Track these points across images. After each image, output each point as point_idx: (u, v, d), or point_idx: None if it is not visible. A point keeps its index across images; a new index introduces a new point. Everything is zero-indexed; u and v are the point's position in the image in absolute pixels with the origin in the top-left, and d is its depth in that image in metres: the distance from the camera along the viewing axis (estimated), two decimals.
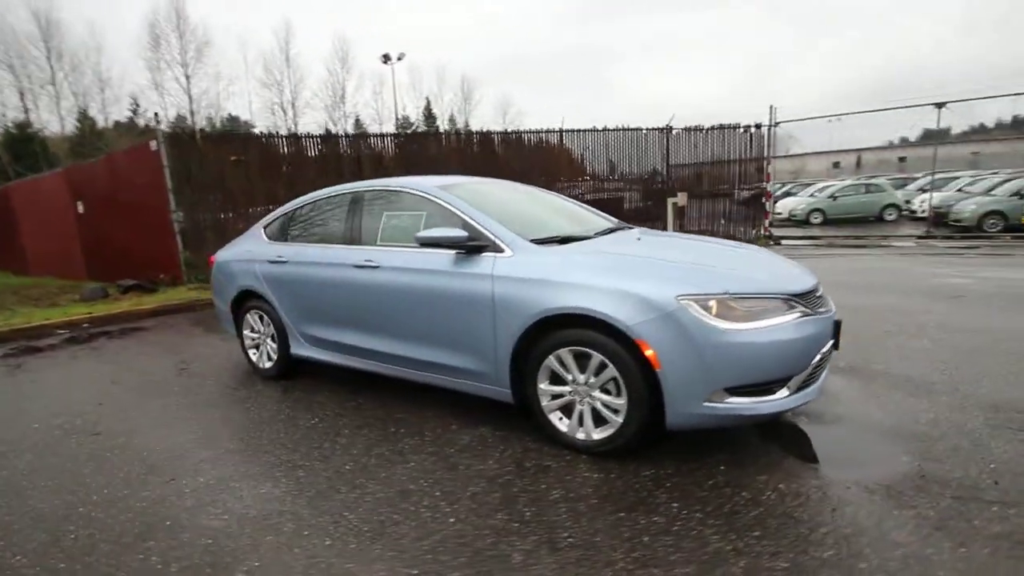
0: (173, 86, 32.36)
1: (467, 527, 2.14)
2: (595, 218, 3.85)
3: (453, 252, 3.02)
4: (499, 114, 43.46)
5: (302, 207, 4.05)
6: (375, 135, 11.24)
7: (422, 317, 3.12)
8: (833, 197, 18.24)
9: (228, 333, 4.60)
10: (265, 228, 4.27)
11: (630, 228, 3.68)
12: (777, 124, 12.33)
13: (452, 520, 2.20)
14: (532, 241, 2.89)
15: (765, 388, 2.39)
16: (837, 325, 2.67)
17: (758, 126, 12.20)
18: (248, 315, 4.23)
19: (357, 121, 38.58)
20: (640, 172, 12.14)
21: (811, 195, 19.31)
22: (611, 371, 2.51)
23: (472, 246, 2.92)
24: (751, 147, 12.28)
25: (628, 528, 2.08)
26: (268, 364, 4.18)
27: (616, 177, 12.17)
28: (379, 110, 39.98)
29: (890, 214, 17.79)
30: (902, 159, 40.78)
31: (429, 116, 43.82)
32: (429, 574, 1.89)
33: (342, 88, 36.91)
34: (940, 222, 13.93)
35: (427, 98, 44.59)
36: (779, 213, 17.74)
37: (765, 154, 12.35)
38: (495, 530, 2.11)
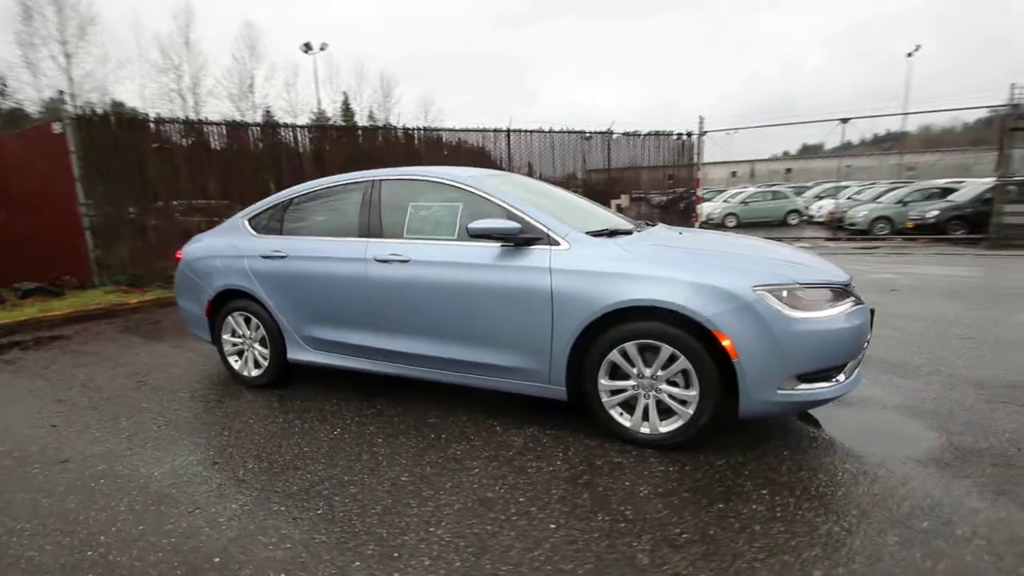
0: (49, 65, 28.27)
1: (573, 531, 2.03)
2: (614, 214, 3.85)
3: (498, 245, 2.87)
4: (420, 112, 42.56)
5: (299, 196, 3.67)
6: (331, 126, 10.55)
7: (462, 314, 2.94)
8: (745, 203, 19.83)
9: (196, 339, 4.07)
10: (250, 220, 3.82)
11: (657, 224, 3.72)
12: (705, 133, 13.17)
13: (553, 526, 2.07)
14: (586, 234, 2.83)
15: (826, 374, 2.50)
16: (872, 314, 2.87)
17: (689, 134, 12.97)
18: (230, 318, 3.76)
19: (267, 113, 36.06)
20: (576, 173, 12.43)
21: (725, 200, 20.86)
22: (682, 363, 2.51)
23: (524, 238, 2.79)
24: (683, 153, 13.03)
25: (735, 518, 2.08)
26: (256, 372, 3.74)
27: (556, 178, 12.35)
28: (292, 102, 37.61)
29: (793, 219, 19.65)
30: (788, 170, 45.39)
31: (347, 111, 42.00)
32: None
33: (250, 77, 34.24)
34: (837, 226, 15.60)
35: (344, 92, 42.74)
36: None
37: (695, 160, 13.15)
38: (604, 532, 2.02)
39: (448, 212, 3.10)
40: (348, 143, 10.44)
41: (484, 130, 11.40)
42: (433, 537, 2.03)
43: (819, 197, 20.99)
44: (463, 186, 3.09)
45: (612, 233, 2.98)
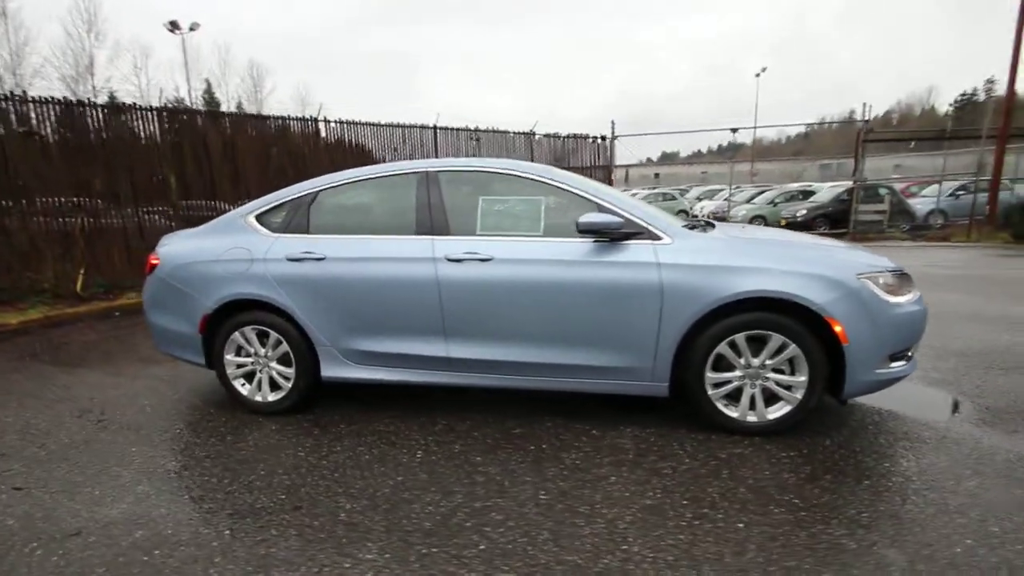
0: None
1: (764, 527, 2.00)
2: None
3: (591, 241, 2.75)
4: (298, 106, 39.52)
5: (327, 190, 3.17)
6: (247, 115, 9.30)
7: (555, 315, 2.76)
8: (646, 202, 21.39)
9: (145, 362, 3.36)
10: (258, 217, 3.23)
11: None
12: (616, 137, 13.94)
13: (741, 525, 2.02)
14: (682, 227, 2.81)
15: (904, 353, 2.75)
16: None
17: (603, 138, 13.62)
18: (237, 334, 3.14)
19: (112, 98, 31.06)
20: None
21: None
22: (791, 351, 2.60)
23: (625, 233, 2.70)
24: (599, 156, 13.65)
25: (888, 490, 2.19)
26: (274, 396, 3.17)
27: None
28: (143, 87, 32.76)
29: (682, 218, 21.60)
30: (656, 175, 49.76)
31: (211, 100, 37.74)
32: None
33: (89, 57, 29.16)
34: None
35: (207, 80, 38.35)
36: None
37: (610, 162, 13.86)
38: (794, 523, 2.01)
39: (529, 207, 2.89)
40: (262, 135, 9.36)
41: (411, 126, 10.93)
42: (633, 555, 1.87)
43: (699, 199, 23.28)
44: (545, 180, 2.90)
45: (694, 228, 3.00)
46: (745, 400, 2.71)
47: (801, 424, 2.74)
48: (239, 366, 3.21)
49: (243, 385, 3.23)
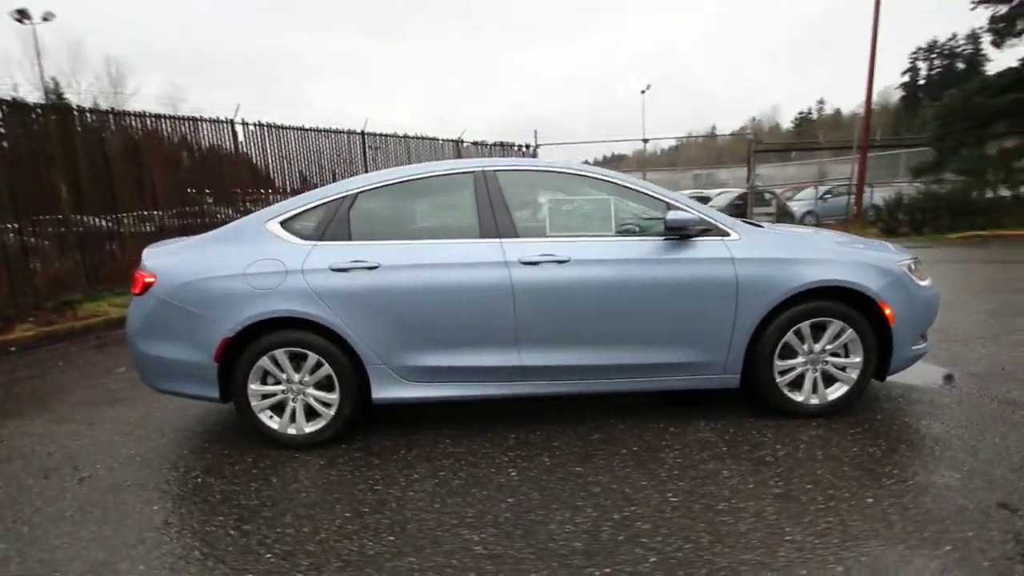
0: None
1: (892, 498, 2.11)
2: None
3: (662, 239, 2.76)
4: (168, 109, 35.56)
5: (367, 192, 2.84)
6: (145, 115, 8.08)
7: (635, 314, 2.72)
8: None
9: (101, 403, 2.83)
10: (283, 223, 2.81)
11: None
12: (539, 146, 14.26)
13: (870, 499, 2.11)
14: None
15: (924, 333, 3.08)
16: None
17: (528, 146, 13.87)
18: (265, 359, 2.71)
19: None
20: None
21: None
22: (849, 335, 2.80)
23: (699, 230, 2.74)
24: None
25: (948, 441, 2.45)
26: (312, 426, 2.78)
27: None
28: None
29: None
30: None
31: (59, 99, 32.62)
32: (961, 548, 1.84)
33: None
34: None
35: (53, 78, 33.11)
36: None
37: None
38: (910, 488, 2.15)
39: (598, 207, 2.84)
40: (171, 138, 8.25)
41: (337, 131, 10.29)
42: (803, 544, 1.87)
43: None
44: (609, 179, 2.87)
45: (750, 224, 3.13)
46: (808, 384, 2.87)
47: (852, 403, 2.97)
48: (265, 396, 2.77)
49: (271, 418, 2.79)
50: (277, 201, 4.07)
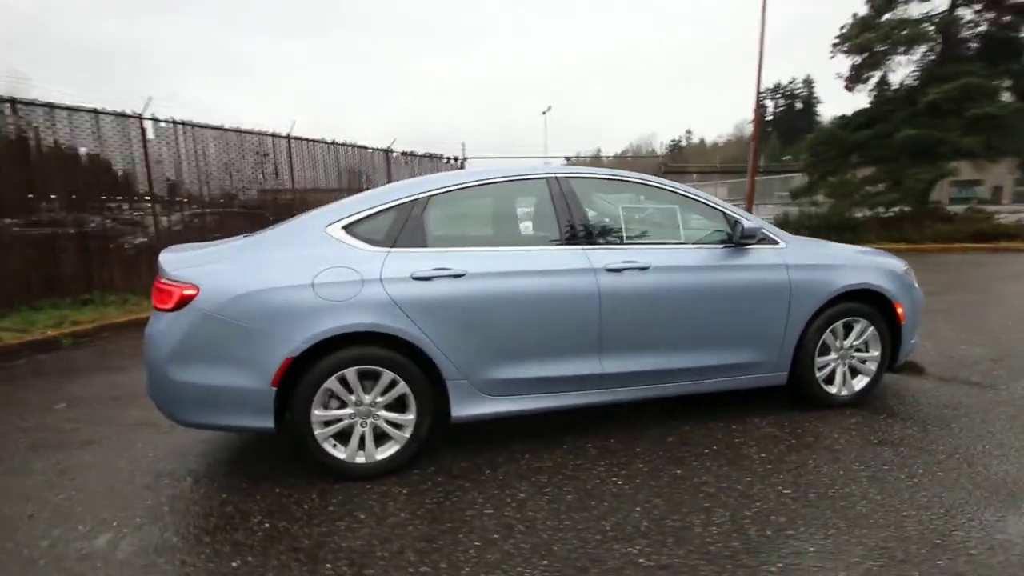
0: None
1: (950, 470, 2.41)
2: None
3: (721, 246, 2.92)
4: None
5: (439, 194, 2.65)
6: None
7: (707, 318, 2.84)
8: None
9: (91, 447, 2.41)
10: (347, 228, 2.53)
11: None
12: (467, 159, 14.27)
13: (940, 472, 2.40)
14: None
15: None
16: None
17: (456, 158, 13.80)
18: (333, 380, 2.40)
19: None
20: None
21: None
22: (870, 332, 3.16)
23: (759, 238, 2.94)
24: None
25: (950, 413, 2.85)
26: (385, 452, 2.51)
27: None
28: None
29: None
30: None
31: None
32: None
33: None
34: None
35: None
36: None
37: None
38: (959, 459, 2.48)
39: (666, 215, 2.92)
40: (66, 134, 7.00)
41: (262, 133, 9.46)
42: (931, 518, 2.07)
43: None
44: (672, 189, 2.97)
45: None
46: (839, 378, 3.18)
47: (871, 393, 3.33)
48: (328, 423, 2.45)
49: (336, 447, 2.48)
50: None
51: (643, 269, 2.73)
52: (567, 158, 16.57)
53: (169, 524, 2.22)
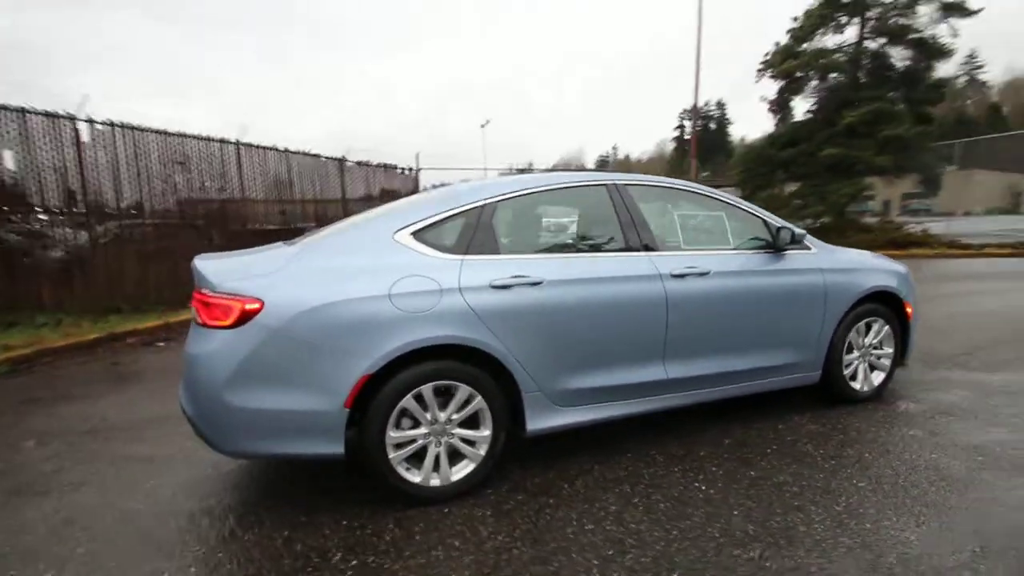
0: None
1: (976, 452, 2.62)
2: None
3: (764, 252, 3.03)
4: None
5: (504, 199, 2.54)
6: None
7: (760, 321, 2.92)
8: None
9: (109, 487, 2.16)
10: (415, 234, 2.36)
11: None
12: (420, 169, 14.01)
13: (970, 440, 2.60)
14: None
15: None
16: None
17: (411, 169, 13.52)
18: (409, 399, 2.22)
19: None
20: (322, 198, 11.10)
21: None
22: (886, 331, 3.39)
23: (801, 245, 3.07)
24: (407, 185, 13.44)
25: (954, 398, 3.12)
26: (460, 472, 2.36)
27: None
28: None
29: None
30: None
31: None
32: None
33: None
34: None
35: None
36: None
37: (418, 192, 13.78)
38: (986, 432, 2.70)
39: (715, 222, 2.98)
40: None
41: (208, 139, 8.78)
42: (991, 490, 2.23)
43: None
44: (718, 197, 3.05)
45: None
46: (860, 375, 3.37)
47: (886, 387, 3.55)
48: (399, 445, 2.26)
49: (409, 470, 2.29)
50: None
51: (703, 275, 2.77)
52: (520, 170, 16.66)
53: (236, 571, 1.94)
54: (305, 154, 10.64)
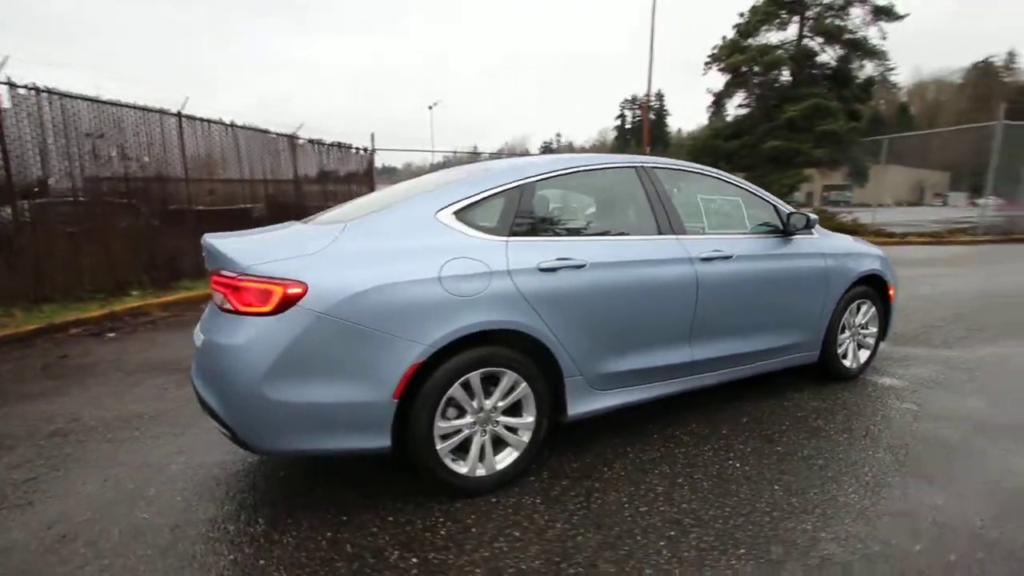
0: None
1: (944, 417, 2.86)
2: None
3: (775, 236, 3.13)
4: None
5: (541, 179, 2.45)
6: None
7: (774, 303, 3.03)
8: None
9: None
10: (458, 214, 2.23)
11: None
12: (375, 150, 13.46)
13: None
14: None
15: None
16: None
17: (366, 149, 12.96)
18: (458, 387, 2.12)
19: None
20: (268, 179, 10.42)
21: None
22: (872, 311, 3.61)
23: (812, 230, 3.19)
24: (362, 166, 12.90)
25: (930, 373, 3.41)
26: (505, 461, 2.29)
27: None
28: None
29: None
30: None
31: None
32: None
33: None
34: None
35: None
36: None
37: (373, 174, 13.26)
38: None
39: (734, 206, 3.03)
40: None
41: (146, 109, 8.00)
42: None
43: None
44: (732, 182, 3.11)
45: None
46: (850, 353, 3.59)
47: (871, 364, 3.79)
48: (446, 436, 2.17)
49: (455, 462, 2.20)
50: None
51: (727, 258, 2.82)
52: (475, 152, 16.40)
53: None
54: (254, 129, 9.94)
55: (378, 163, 14.58)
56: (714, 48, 16.83)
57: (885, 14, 14.60)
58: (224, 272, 2.02)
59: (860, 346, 3.65)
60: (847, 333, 3.53)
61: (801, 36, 15.47)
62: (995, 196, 13.96)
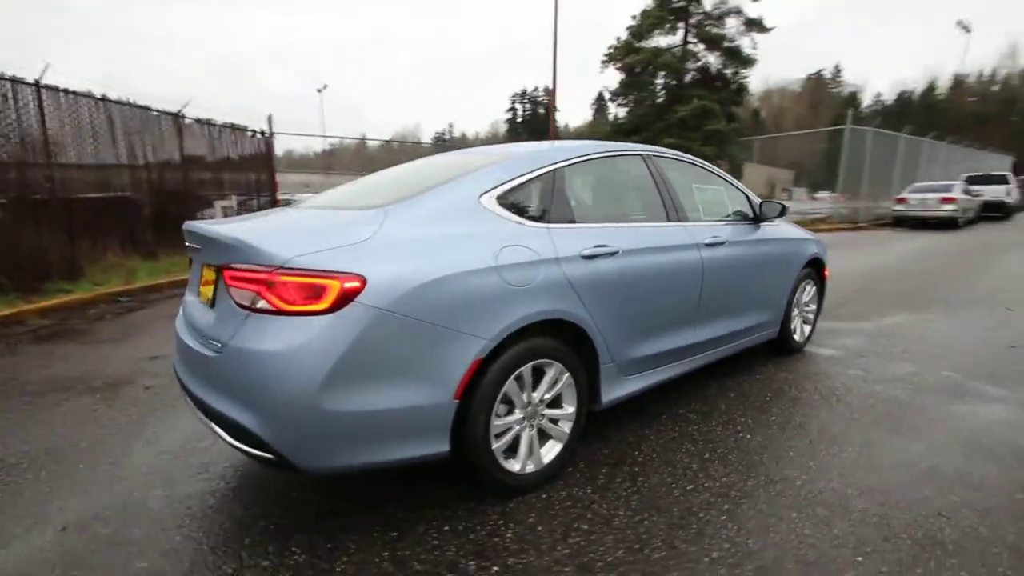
0: None
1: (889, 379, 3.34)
2: None
3: (746, 222, 3.37)
4: None
5: (564, 166, 2.38)
6: None
7: (755, 285, 3.26)
8: None
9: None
10: (499, 199, 2.10)
11: None
12: (274, 134, 12.31)
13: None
14: None
15: None
16: None
17: (263, 132, 11.79)
18: (512, 381, 2.02)
19: None
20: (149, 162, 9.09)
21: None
22: (813, 290, 4.05)
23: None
24: (259, 151, 11.73)
25: (877, 345, 3.95)
26: (550, 454, 2.24)
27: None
28: None
29: None
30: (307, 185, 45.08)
31: None
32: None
33: None
34: None
35: None
36: None
37: (273, 161, 12.11)
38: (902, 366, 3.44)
39: (717, 195, 3.20)
40: None
41: (16, 79, 6.56)
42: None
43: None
44: (713, 172, 3.29)
45: None
46: (799, 329, 3.99)
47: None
48: (499, 434, 2.06)
49: (508, 459, 2.09)
50: None
51: (722, 244, 2.99)
52: (366, 139, 15.72)
53: None
54: (132, 105, 8.61)
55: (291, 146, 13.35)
56: (610, 48, 17.74)
57: (755, 26, 16.45)
58: (248, 265, 1.72)
59: (805, 322, 4.08)
60: (796, 311, 3.93)
61: (686, 42, 16.85)
62: (830, 192, 16.35)
